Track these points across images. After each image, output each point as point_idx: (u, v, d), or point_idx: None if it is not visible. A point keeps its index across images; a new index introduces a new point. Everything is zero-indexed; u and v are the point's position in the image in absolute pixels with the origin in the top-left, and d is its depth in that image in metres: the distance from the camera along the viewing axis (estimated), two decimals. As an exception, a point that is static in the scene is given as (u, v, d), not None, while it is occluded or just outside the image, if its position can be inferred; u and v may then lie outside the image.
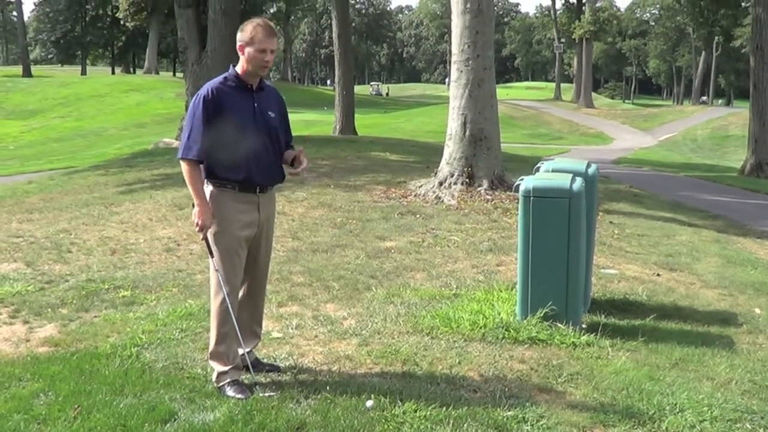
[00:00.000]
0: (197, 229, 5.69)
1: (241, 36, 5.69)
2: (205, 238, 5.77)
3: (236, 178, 5.70)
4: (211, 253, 5.79)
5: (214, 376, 5.86)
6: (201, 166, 5.68)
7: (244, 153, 5.66)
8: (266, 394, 5.68)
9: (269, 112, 5.87)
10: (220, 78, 5.79)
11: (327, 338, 7.10)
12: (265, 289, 6.30)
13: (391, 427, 5.18)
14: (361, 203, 14.50)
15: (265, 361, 6.31)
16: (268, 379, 6.00)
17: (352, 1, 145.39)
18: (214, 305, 5.81)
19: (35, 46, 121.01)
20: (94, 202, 15.76)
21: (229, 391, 5.70)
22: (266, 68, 5.79)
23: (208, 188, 5.76)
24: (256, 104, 5.79)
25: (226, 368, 5.79)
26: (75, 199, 16.44)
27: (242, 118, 5.68)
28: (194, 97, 5.71)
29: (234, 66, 5.81)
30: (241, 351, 6.08)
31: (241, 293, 6.04)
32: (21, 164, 32.76)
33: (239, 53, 5.73)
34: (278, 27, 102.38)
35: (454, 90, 15.49)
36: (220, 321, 5.77)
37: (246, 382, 5.90)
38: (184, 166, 5.68)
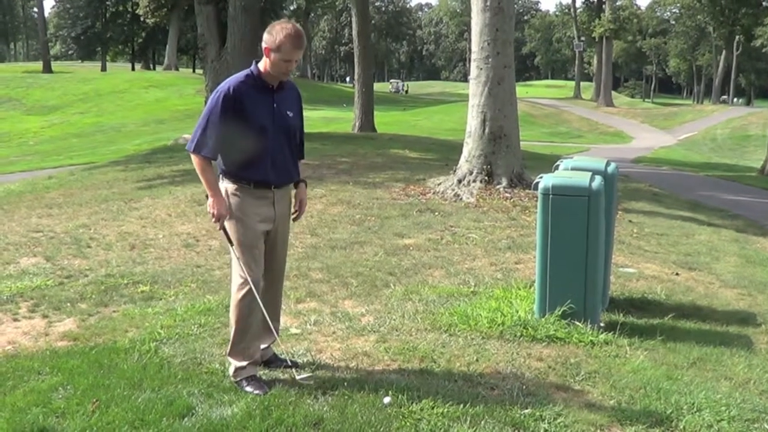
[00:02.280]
0: (213, 219, 5.70)
1: (269, 39, 5.58)
2: (223, 228, 5.78)
3: (252, 177, 5.70)
4: (230, 241, 5.79)
5: (231, 370, 5.86)
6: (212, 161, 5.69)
7: (261, 153, 5.65)
8: (303, 376, 5.69)
9: (288, 112, 5.83)
10: (241, 75, 5.72)
11: (345, 335, 7.10)
12: (282, 286, 6.29)
13: (408, 423, 5.18)
14: (379, 200, 14.51)
15: (283, 357, 6.32)
16: (285, 375, 6.00)
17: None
18: (236, 298, 5.78)
19: (55, 42, 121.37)
20: (113, 198, 15.83)
21: (247, 387, 5.70)
22: (288, 75, 5.77)
23: (223, 184, 5.76)
24: (275, 104, 5.75)
25: (244, 363, 5.80)
26: (94, 195, 16.52)
27: (261, 118, 5.64)
28: (214, 92, 5.66)
29: (257, 62, 5.75)
30: (262, 345, 6.11)
31: (263, 294, 6.03)
32: (41, 160, 32.88)
33: (264, 53, 5.66)
34: (298, 24, 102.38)
35: (474, 87, 15.47)
36: (242, 315, 5.75)
37: (264, 378, 5.92)
38: (195, 159, 5.69)
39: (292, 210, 6.08)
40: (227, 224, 5.74)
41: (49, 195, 17.37)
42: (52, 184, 19.47)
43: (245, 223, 5.72)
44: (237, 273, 5.79)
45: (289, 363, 6.18)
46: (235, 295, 5.79)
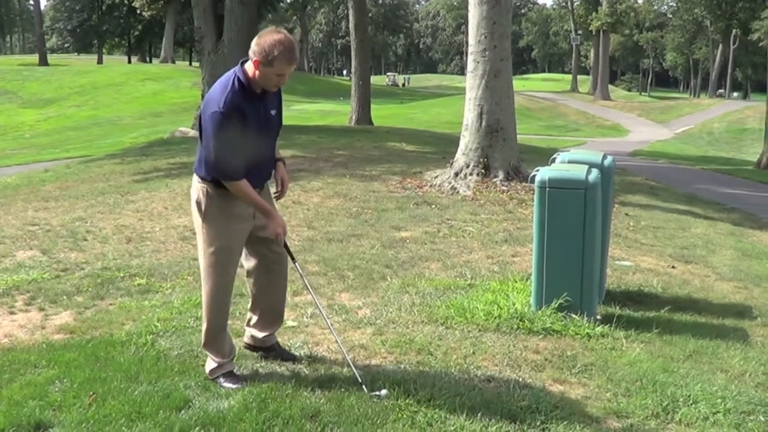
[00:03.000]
0: (279, 238, 5.68)
1: (259, 52, 5.29)
2: (285, 244, 5.80)
3: None
4: (293, 258, 5.87)
5: (207, 369, 5.83)
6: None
7: (246, 160, 5.46)
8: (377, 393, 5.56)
9: (271, 111, 5.67)
10: (233, 86, 5.38)
11: (342, 327, 7.11)
12: (285, 276, 6.21)
13: (404, 416, 5.18)
14: (376, 193, 14.52)
15: (285, 348, 6.34)
16: (282, 368, 6.01)
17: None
18: (207, 299, 5.74)
19: (51, 35, 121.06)
20: (109, 191, 15.83)
21: (225, 383, 5.68)
22: (277, 88, 5.57)
23: (202, 184, 5.61)
24: (263, 109, 5.56)
25: (220, 361, 5.78)
26: (91, 188, 16.51)
27: (251, 127, 5.41)
28: (210, 112, 5.32)
29: (243, 63, 5.51)
30: (261, 335, 6.13)
31: (262, 280, 6.04)
32: (37, 153, 32.83)
33: (252, 65, 5.38)
34: (294, 17, 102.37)
35: (471, 81, 15.48)
36: (213, 316, 5.73)
37: (261, 370, 5.93)
38: (236, 185, 5.44)
39: (274, 191, 5.95)
40: (205, 226, 5.64)
41: (46, 188, 17.37)
42: (49, 177, 19.46)
43: (223, 224, 5.61)
44: (211, 280, 5.70)
45: (288, 356, 6.21)
46: (207, 302, 5.74)
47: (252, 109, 5.44)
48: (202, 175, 5.61)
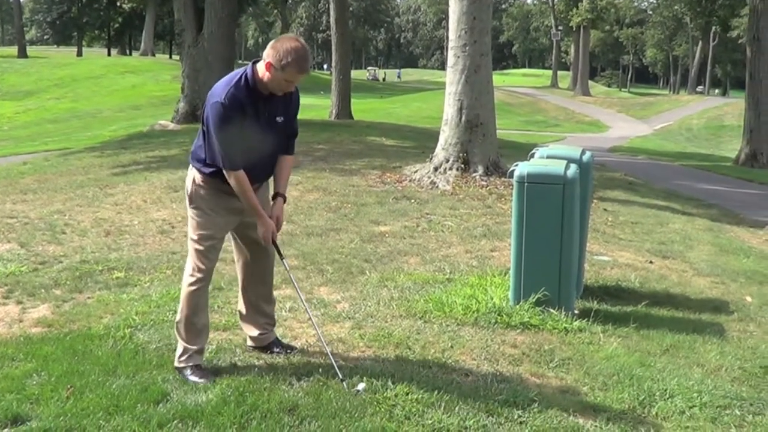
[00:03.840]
0: (266, 241, 5.71)
1: (273, 56, 5.32)
2: (275, 243, 5.82)
3: (224, 177, 5.56)
4: (280, 255, 5.90)
5: (177, 353, 5.84)
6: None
7: (243, 159, 5.48)
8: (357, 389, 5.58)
9: (277, 118, 5.65)
10: (238, 82, 5.43)
11: (320, 321, 7.10)
12: (272, 273, 6.29)
13: (382, 409, 5.20)
14: (356, 188, 14.52)
15: (285, 341, 6.43)
16: (261, 361, 6.01)
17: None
18: (185, 291, 5.79)
19: (31, 26, 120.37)
20: (88, 184, 15.77)
21: (191, 376, 5.68)
22: (284, 92, 5.55)
23: (193, 172, 5.70)
24: (267, 112, 5.57)
25: (187, 347, 5.79)
26: (70, 181, 16.44)
27: (248, 126, 5.44)
28: (212, 102, 5.38)
29: (254, 62, 5.52)
30: (254, 333, 6.19)
31: (249, 277, 6.10)
32: (15, 145, 32.64)
33: (264, 66, 5.40)
34: (275, 11, 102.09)
35: (451, 76, 15.51)
36: (190, 308, 5.76)
37: (239, 363, 5.94)
38: (236, 177, 5.46)
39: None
40: (190, 213, 5.74)
41: (24, 181, 17.28)
42: (27, 170, 19.37)
43: (209, 214, 5.68)
44: (190, 265, 5.76)
45: (286, 348, 6.27)
46: (186, 288, 5.78)
47: (253, 109, 5.48)
48: (196, 164, 5.70)
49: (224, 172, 5.48)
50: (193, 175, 5.71)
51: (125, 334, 6.68)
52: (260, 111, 5.53)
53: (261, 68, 5.45)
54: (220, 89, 5.44)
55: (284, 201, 5.96)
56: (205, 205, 5.68)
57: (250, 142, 5.49)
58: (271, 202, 5.91)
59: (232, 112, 5.35)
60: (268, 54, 5.37)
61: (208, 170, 5.62)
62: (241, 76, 5.48)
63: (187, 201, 5.78)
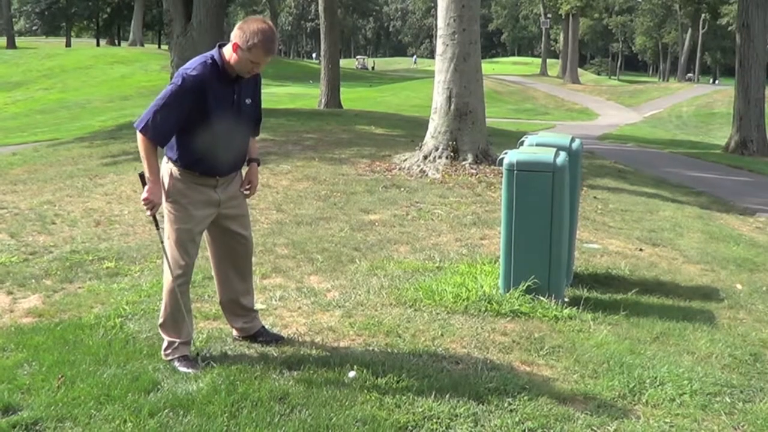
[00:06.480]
0: (147, 207, 5.57)
1: (240, 36, 5.33)
2: (153, 217, 5.75)
3: (200, 167, 5.59)
4: (157, 226, 5.83)
5: (163, 346, 5.85)
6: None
7: (213, 145, 5.49)
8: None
9: (246, 100, 5.68)
10: (205, 62, 5.46)
11: (310, 310, 7.13)
12: (251, 264, 6.28)
13: (372, 398, 5.21)
14: (345, 176, 14.52)
15: (275, 330, 6.44)
16: (251, 350, 6.02)
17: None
18: (167, 287, 5.80)
19: (20, 17, 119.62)
20: (78, 174, 15.75)
21: (180, 367, 5.69)
22: (250, 74, 5.57)
23: (168, 166, 5.67)
24: (236, 95, 5.58)
25: (171, 340, 5.80)
26: (59, 171, 16.42)
27: (220, 111, 5.46)
28: (176, 76, 5.43)
29: (220, 45, 5.55)
30: (238, 323, 6.19)
31: (227, 274, 6.08)
32: (5, 136, 32.53)
33: (231, 48, 5.41)
34: (264, 0, 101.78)
35: (440, 64, 15.49)
36: (171, 303, 5.76)
37: (230, 352, 5.95)
38: (140, 139, 5.46)
39: (242, 189, 5.95)
40: (167, 207, 5.68)
41: (13, 171, 17.26)
42: (16, 161, 19.34)
43: (185, 208, 5.65)
44: (170, 262, 5.73)
45: (276, 337, 6.29)
46: (167, 284, 5.79)
47: (222, 93, 5.49)
48: (169, 155, 5.66)
49: (137, 133, 5.48)
50: (169, 168, 5.67)
51: (116, 324, 6.68)
52: (229, 94, 5.54)
53: (228, 50, 5.46)
54: (187, 67, 5.47)
55: (258, 164, 6.04)
56: (182, 198, 5.64)
57: (217, 128, 5.48)
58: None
59: (192, 92, 5.36)
60: (235, 35, 5.38)
61: (183, 162, 5.60)
62: (208, 57, 5.49)
63: (163, 195, 5.67)
